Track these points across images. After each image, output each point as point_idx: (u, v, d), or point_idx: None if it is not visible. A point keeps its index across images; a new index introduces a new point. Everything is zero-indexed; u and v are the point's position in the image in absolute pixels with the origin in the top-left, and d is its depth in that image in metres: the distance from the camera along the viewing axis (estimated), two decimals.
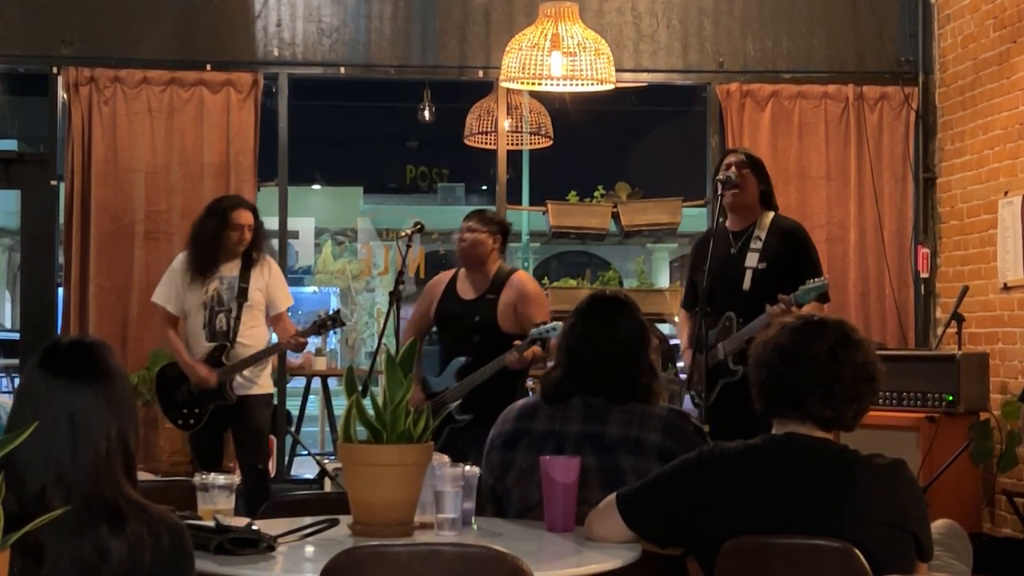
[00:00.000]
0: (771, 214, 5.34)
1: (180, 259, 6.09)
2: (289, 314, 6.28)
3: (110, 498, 2.24)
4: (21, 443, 2.05)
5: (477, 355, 5.54)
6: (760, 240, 5.24)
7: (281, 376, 7.58)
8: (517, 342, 5.45)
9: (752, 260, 5.21)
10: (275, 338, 6.22)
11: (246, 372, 5.99)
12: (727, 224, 5.30)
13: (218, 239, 5.94)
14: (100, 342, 2.38)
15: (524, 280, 5.76)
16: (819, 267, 5.32)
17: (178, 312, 6.07)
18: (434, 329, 5.96)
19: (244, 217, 5.99)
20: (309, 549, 2.91)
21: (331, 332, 6.62)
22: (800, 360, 2.85)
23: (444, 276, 5.94)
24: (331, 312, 6.16)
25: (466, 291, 5.74)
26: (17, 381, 10.58)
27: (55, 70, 7.27)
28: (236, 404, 5.99)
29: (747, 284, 5.20)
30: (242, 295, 5.99)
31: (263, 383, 6.11)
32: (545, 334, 5.34)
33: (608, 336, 3.49)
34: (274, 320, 6.12)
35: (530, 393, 5.84)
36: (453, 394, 5.53)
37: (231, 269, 6.01)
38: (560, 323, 5.60)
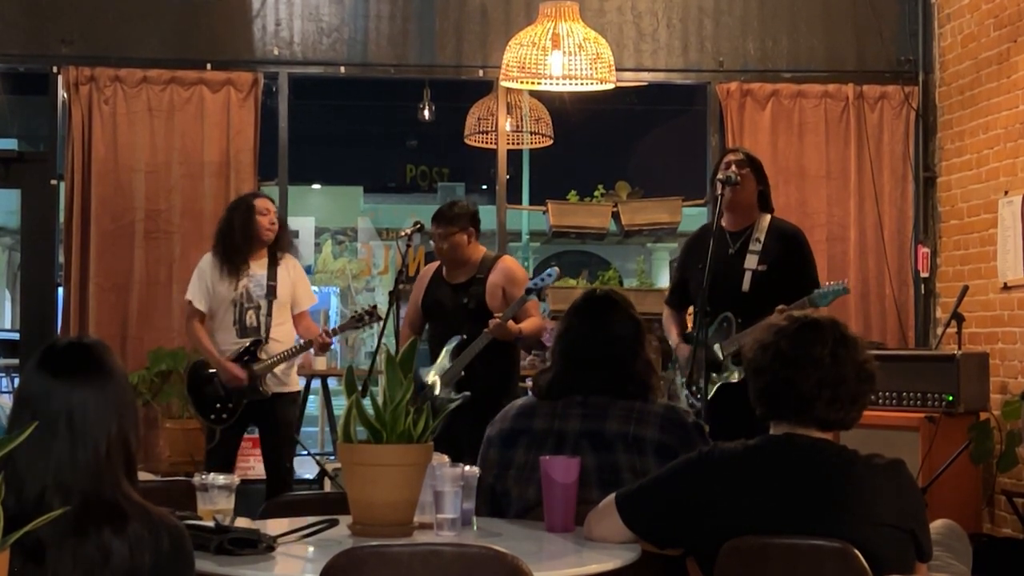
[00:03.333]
0: (768, 216, 5.33)
1: (208, 258, 6.12)
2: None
3: (111, 498, 2.24)
4: (21, 445, 2.04)
5: (470, 336, 5.68)
6: (759, 242, 5.23)
7: None
8: (497, 314, 5.56)
9: (752, 262, 5.20)
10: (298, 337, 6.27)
11: (277, 370, 6.03)
12: (724, 224, 5.28)
13: (249, 228, 6.02)
14: (99, 342, 2.38)
15: (511, 264, 5.97)
16: (816, 272, 5.34)
17: (207, 309, 6.10)
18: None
19: (266, 203, 6.12)
20: (309, 549, 2.91)
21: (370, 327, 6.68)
22: (803, 365, 2.85)
23: (430, 267, 6.08)
24: (369, 307, 6.22)
25: (454, 277, 5.89)
26: (17, 381, 10.59)
27: (55, 69, 7.27)
28: (268, 401, 6.03)
29: (746, 285, 5.18)
30: (271, 292, 6.06)
31: (292, 381, 6.20)
32: (541, 283, 5.48)
33: (602, 335, 3.49)
34: (297, 318, 6.19)
35: (528, 393, 5.87)
36: (449, 374, 5.62)
37: (259, 267, 6.08)
38: (556, 268, 5.75)
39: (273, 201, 6.25)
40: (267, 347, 6.04)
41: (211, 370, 6.09)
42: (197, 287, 6.10)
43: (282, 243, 6.17)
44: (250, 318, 6.05)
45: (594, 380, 3.44)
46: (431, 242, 5.98)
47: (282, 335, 6.10)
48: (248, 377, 5.98)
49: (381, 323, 5.96)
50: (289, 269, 6.17)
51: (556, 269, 5.75)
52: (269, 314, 6.06)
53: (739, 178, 5.17)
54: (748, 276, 5.18)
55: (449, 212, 5.85)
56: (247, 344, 6.03)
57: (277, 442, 6.13)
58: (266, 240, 6.08)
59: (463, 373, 5.63)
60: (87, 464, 2.23)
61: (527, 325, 5.67)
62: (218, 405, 6.07)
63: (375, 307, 6.29)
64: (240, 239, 6.02)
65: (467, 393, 5.37)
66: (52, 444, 2.21)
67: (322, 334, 6.09)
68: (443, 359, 5.72)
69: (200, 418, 6.23)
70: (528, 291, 5.55)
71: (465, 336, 5.68)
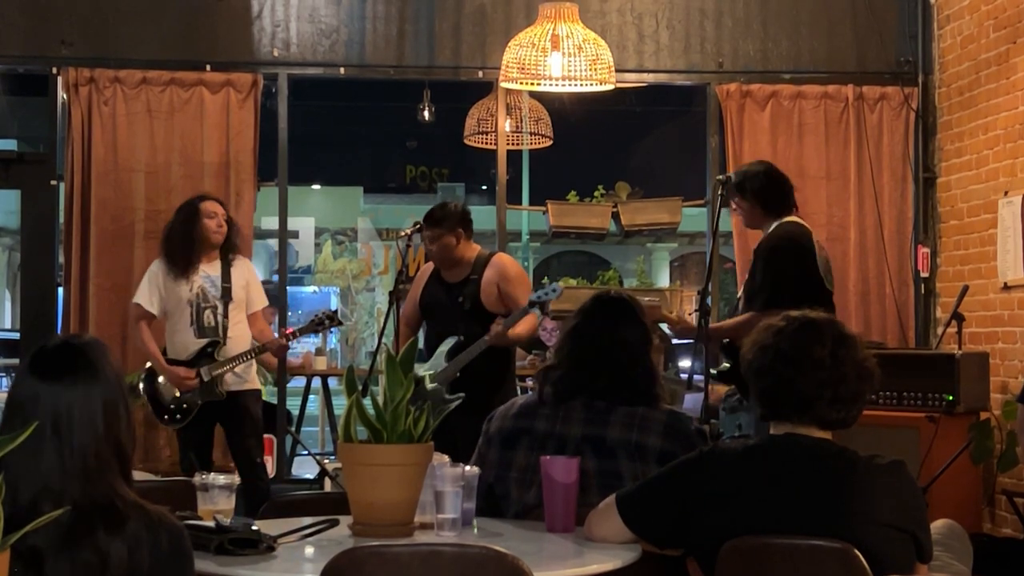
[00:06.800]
0: (775, 223, 5.37)
1: (157, 263, 6.23)
2: (275, 314, 6.41)
3: (104, 501, 2.21)
4: (13, 450, 2.02)
5: (467, 337, 5.65)
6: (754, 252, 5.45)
7: (281, 376, 7.59)
8: (498, 319, 5.54)
9: (746, 268, 5.53)
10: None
11: (237, 369, 6.11)
12: None
13: (191, 231, 6.08)
14: (91, 341, 2.34)
15: (505, 261, 5.92)
16: (772, 284, 5.14)
17: (158, 312, 6.18)
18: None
19: (213, 206, 6.18)
20: (309, 549, 2.91)
21: (331, 331, 6.71)
22: (804, 366, 2.85)
23: (428, 266, 6.06)
24: (329, 311, 6.22)
25: (450, 277, 5.87)
26: None
27: (55, 70, 7.26)
28: (228, 401, 6.10)
29: (740, 292, 5.48)
30: (227, 294, 6.14)
31: (252, 379, 6.26)
32: (544, 297, 5.46)
33: (611, 338, 3.49)
34: (251, 319, 6.26)
35: (529, 392, 5.87)
36: (444, 375, 5.59)
37: (213, 268, 6.15)
38: (560, 284, 5.73)
39: (221, 203, 6.30)
40: (225, 348, 6.10)
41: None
42: (146, 290, 6.18)
43: (231, 244, 6.23)
44: (208, 318, 6.11)
45: (598, 382, 3.44)
46: None
47: (240, 335, 6.17)
48: (202, 379, 6.04)
49: (342, 327, 5.97)
50: (242, 270, 6.25)
51: (560, 287, 5.71)
52: (226, 315, 6.13)
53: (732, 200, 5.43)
54: (744, 282, 5.47)
55: (437, 214, 5.81)
56: (204, 345, 6.08)
57: (243, 439, 6.19)
58: (214, 243, 6.15)
59: (458, 374, 5.62)
60: (76, 469, 2.20)
61: (522, 329, 5.66)
62: (172, 406, 6.12)
63: (335, 312, 6.39)
64: (181, 241, 6.09)
65: (462, 395, 5.35)
66: (42, 449, 2.19)
67: (281, 337, 6.17)
68: (437, 359, 5.69)
69: (156, 419, 6.28)
70: (531, 303, 5.53)
71: (462, 337, 5.65)
